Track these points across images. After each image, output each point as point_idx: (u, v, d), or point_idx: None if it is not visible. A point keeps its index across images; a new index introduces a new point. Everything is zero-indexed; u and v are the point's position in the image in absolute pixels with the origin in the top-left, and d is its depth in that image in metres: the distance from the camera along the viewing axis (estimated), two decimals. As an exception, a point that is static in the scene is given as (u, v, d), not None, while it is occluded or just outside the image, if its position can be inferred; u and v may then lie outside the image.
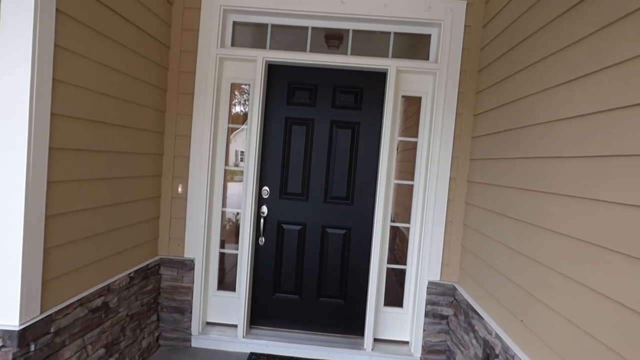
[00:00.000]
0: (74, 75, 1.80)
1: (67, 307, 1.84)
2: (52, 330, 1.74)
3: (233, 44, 2.90)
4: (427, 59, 2.82)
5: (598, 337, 1.29)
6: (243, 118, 3.09)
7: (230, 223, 3.49)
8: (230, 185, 3.19)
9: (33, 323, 1.63)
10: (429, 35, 2.82)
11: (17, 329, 1.57)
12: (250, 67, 2.84)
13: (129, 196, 2.36)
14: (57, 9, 1.65)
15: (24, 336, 1.59)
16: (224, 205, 3.00)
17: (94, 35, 1.92)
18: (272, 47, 2.91)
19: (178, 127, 2.79)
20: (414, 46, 2.95)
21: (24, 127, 1.55)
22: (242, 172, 2.93)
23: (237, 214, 3.11)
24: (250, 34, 3.02)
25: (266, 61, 2.80)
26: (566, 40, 1.62)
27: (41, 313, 1.69)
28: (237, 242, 2.96)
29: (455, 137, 2.71)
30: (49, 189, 1.68)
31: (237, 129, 3.08)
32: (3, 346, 1.55)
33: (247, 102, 2.88)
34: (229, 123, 2.94)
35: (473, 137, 2.67)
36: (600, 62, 1.40)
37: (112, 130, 2.14)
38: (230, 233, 3.43)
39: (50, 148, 1.67)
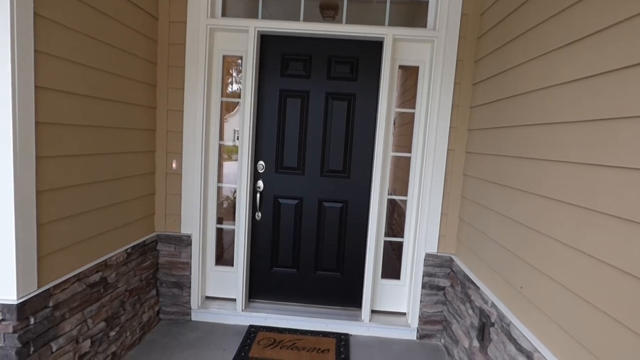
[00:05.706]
0: (55, 46, 1.73)
1: (65, 282, 1.85)
2: (50, 304, 1.76)
3: (224, 14, 2.80)
4: (425, 26, 2.73)
5: (593, 302, 1.30)
6: (239, 96, 3.02)
7: (228, 201, 3.48)
8: (226, 164, 3.15)
9: (31, 297, 1.65)
10: (427, 2, 2.72)
11: (15, 302, 1.58)
12: (242, 38, 2.75)
13: (122, 172, 2.33)
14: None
15: (23, 310, 1.61)
16: (219, 181, 2.98)
17: (76, 4, 1.84)
18: (264, 18, 2.81)
19: (170, 101, 2.73)
20: (412, 14, 2.85)
21: (7, 100, 1.51)
22: (237, 150, 2.88)
23: (234, 191, 3.09)
24: (242, 4, 2.91)
25: (258, 31, 2.71)
26: (565, 2, 1.56)
27: (38, 288, 1.70)
28: (234, 219, 2.95)
29: (454, 107, 2.65)
30: (37, 165, 1.66)
31: (232, 103, 3.02)
32: (3, 319, 1.57)
33: (241, 80, 2.80)
34: (222, 97, 2.88)
35: (472, 106, 2.61)
36: (598, 24, 1.34)
37: (101, 104, 2.09)
38: (228, 211, 3.43)
39: (36, 122, 1.63)
